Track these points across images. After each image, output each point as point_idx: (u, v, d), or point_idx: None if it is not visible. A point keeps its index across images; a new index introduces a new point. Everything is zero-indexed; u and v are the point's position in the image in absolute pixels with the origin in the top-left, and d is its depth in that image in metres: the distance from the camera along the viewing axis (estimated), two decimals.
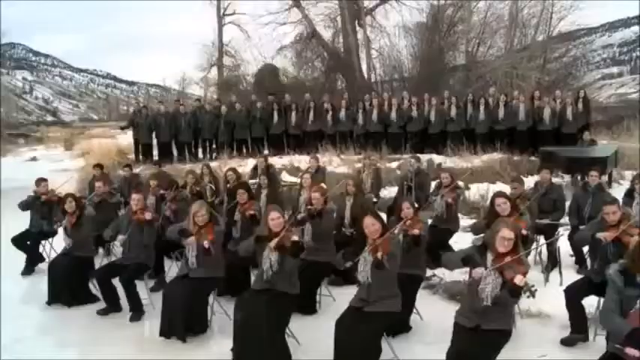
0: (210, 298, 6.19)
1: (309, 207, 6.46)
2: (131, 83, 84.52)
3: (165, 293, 5.89)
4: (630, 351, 3.81)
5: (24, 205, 8.69)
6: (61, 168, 19.02)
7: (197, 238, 5.85)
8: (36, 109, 74.85)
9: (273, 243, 5.23)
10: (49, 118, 66.97)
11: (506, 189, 10.45)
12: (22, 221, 8.85)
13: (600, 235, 5.48)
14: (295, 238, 5.23)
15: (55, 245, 8.40)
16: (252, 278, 6.83)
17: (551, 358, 5.24)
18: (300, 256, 5.46)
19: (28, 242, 8.55)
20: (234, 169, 9.06)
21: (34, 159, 25.91)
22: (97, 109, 77.32)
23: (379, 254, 4.67)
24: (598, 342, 5.37)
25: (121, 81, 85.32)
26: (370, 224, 4.90)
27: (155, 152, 15.48)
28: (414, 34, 22.87)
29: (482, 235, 5.61)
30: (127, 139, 23.15)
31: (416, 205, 6.25)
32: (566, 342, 5.44)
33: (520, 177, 7.93)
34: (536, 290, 4.04)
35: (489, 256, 4.41)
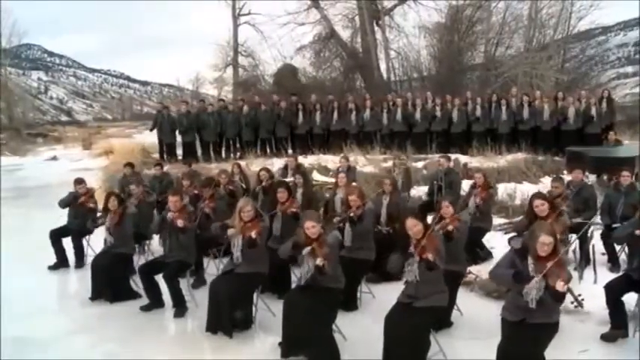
0: (254, 295, 6.32)
1: (350, 214, 6.57)
2: (144, 83, 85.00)
3: (212, 289, 6.03)
4: None
5: (64, 204, 8.88)
6: (81, 167, 19.39)
7: (242, 232, 5.99)
8: (51, 109, 75.42)
9: (307, 251, 5.37)
10: (64, 118, 67.60)
11: (533, 188, 10.66)
12: (50, 220, 9.07)
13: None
14: (319, 262, 5.24)
15: (93, 243, 8.62)
16: (293, 276, 7.08)
17: (593, 353, 5.38)
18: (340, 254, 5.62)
19: (65, 238, 8.75)
20: (267, 169, 9.22)
21: (54, 158, 26.28)
22: (110, 108, 77.89)
23: (429, 255, 4.79)
24: (638, 338, 5.52)
25: (134, 81, 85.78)
26: (413, 226, 5.00)
27: (179, 152, 15.65)
28: (432, 35, 22.95)
29: (515, 235, 5.79)
30: (144, 138, 23.49)
31: None
32: (607, 338, 5.56)
33: (561, 177, 8.05)
34: (583, 300, 4.25)
35: (530, 261, 4.51)
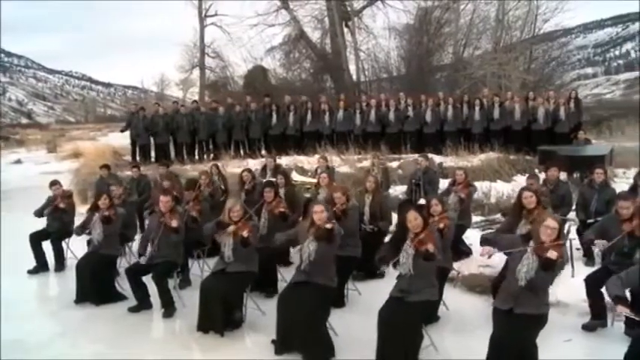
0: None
1: (334, 209, 6.69)
2: (107, 85, 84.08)
3: (203, 288, 6.07)
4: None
5: (38, 213, 8.78)
6: (48, 170, 19.04)
7: (233, 232, 6.07)
8: (10, 112, 73.90)
9: (312, 231, 5.55)
10: (24, 121, 66.28)
11: (507, 187, 10.96)
12: (22, 224, 8.99)
13: (598, 242, 6.06)
14: (329, 225, 5.50)
15: (72, 246, 8.55)
16: (279, 275, 7.16)
17: (575, 342, 5.65)
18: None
19: (46, 241, 8.63)
20: (249, 170, 9.28)
21: (18, 161, 25.73)
22: (73, 111, 76.70)
23: (429, 247, 4.94)
24: (616, 327, 5.81)
25: (97, 82, 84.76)
26: (413, 219, 5.15)
27: (153, 153, 15.58)
28: (401, 36, 23.24)
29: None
30: (109, 140, 23.19)
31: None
32: (588, 327, 5.84)
33: (536, 174, 8.30)
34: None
35: (532, 244, 4.79)
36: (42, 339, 6.20)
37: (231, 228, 6.09)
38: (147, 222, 8.00)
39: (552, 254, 4.52)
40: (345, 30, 23.48)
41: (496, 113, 13.85)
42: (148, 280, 6.77)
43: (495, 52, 20.74)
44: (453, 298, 6.63)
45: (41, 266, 8.52)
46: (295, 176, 10.38)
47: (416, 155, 12.72)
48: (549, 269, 4.56)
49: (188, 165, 14.41)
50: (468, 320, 6.19)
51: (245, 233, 5.97)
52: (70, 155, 23.17)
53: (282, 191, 8.35)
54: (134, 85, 65.96)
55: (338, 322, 5.95)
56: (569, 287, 6.55)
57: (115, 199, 8.10)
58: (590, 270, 6.57)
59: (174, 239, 6.74)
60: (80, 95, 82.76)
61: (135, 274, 6.75)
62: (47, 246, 8.61)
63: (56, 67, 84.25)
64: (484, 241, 5.45)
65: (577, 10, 32.28)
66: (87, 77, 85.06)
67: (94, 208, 7.45)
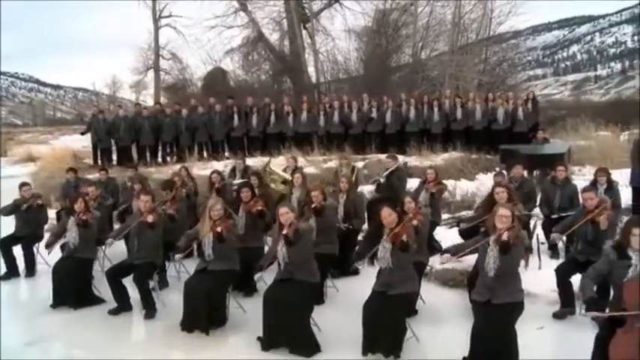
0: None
1: (313, 205, 6.84)
2: (56, 87, 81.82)
3: (187, 287, 6.12)
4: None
5: (6, 212, 8.63)
6: (2, 175, 18.53)
7: (212, 230, 6.14)
8: None
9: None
10: None
11: (471, 185, 11.30)
12: None
13: (553, 235, 6.57)
14: (285, 231, 5.60)
15: (43, 251, 8.38)
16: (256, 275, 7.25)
17: (547, 329, 5.96)
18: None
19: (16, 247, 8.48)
20: (218, 172, 9.37)
21: None
22: (20, 114, 74.35)
23: (404, 237, 5.14)
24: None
25: (45, 85, 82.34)
26: (387, 215, 5.36)
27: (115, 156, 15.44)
28: (360, 38, 23.56)
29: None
30: (61, 143, 22.66)
31: None
32: (558, 315, 6.15)
33: (502, 172, 8.61)
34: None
35: (492, 238, 5.03)
36: (21, 345, 6.12)
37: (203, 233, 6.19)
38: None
39: (505, 236, 4.81)
40: (304, 32, 23.69)
41: (458, 113, 14.25)
42: (126, 281, 6.76)
43: (452, 54, 21.26)
44: (428, 292, 6.83)
45: (11, 271, 8.36)
46: (272, 165, 10.47)
47: (380, 155, 13.04)
48: (507, 251, 4.83)
49: (152, 167, 14.31)
50: (443, 313, 6.42)
51: (219, 229, 6.03)
52: (24, 159, 22.60)
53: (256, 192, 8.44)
54: (85, 88, 64.43)
55: (318, 318, 6.08)
56: (538, 279, 6.85)
57: (91, 201, 8.03)
58: (555, 262, 6.94)
59: (151, 236, 6.75)
60: (27, 98, 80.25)
61: (115, 276, 6.73)
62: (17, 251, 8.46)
63: (1, 69, 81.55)
64: (446, 251, 5.69)
65: (528, 15, 33.36)
66: (34, 79, 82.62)
67: (69, 212, 7.37)
